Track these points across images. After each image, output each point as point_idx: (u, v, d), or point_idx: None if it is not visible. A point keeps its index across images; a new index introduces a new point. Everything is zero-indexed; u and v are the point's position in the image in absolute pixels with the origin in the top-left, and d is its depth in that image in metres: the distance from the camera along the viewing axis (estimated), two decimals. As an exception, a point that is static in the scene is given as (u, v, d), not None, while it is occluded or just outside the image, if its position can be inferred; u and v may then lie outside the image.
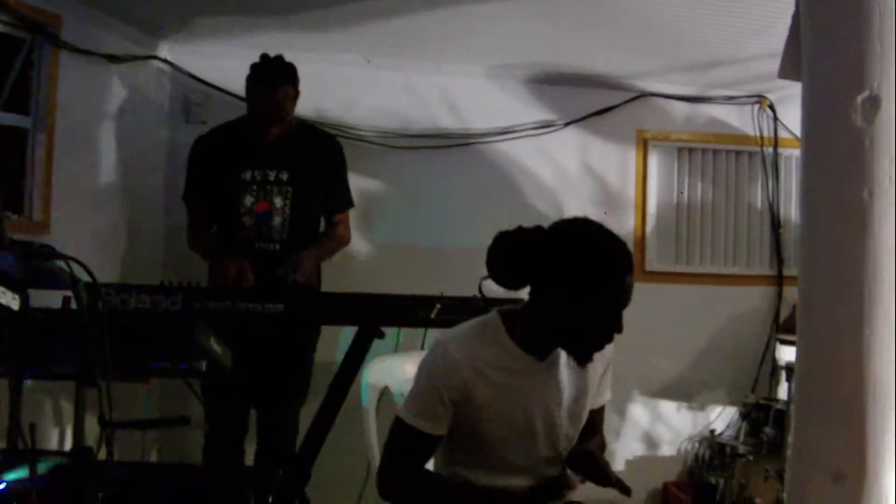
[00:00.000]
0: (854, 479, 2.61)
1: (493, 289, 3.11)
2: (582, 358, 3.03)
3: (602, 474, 3.08)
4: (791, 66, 3.03)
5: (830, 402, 2.68)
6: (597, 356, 3.12)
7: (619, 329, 2.96)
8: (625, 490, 2.99)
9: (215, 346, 2.62)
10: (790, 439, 2.91)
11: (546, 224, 3.02)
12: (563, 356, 3.11)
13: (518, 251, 2.98)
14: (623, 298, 2.92)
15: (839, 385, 2.65)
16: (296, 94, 5.16)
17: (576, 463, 3.16)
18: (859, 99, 2.62)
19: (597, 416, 3.40)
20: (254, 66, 5.09)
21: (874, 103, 2.61)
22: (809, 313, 2.77)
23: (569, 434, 3.21)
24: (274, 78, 5.04)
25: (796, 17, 2.96)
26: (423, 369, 3.07)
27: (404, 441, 3.05)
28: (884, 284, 2.60)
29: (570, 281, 2.88)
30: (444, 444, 3.10)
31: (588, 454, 3.16)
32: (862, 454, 2.60)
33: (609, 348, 3.20)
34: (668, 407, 6.72)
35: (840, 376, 2.65)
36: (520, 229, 3.02)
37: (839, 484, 2.64)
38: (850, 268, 2.62)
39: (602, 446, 3.44)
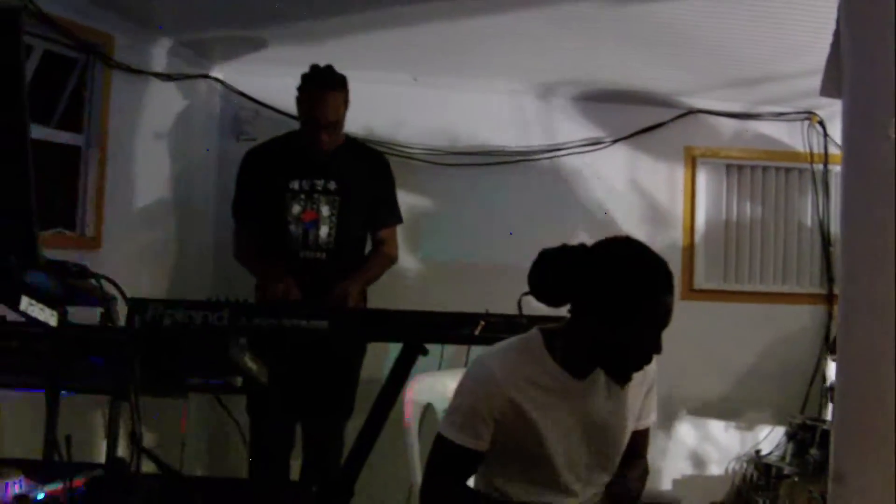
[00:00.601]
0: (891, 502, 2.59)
1: (535, 306, 3.12)
2: (621, 378, 3.02)
3: None
4: (832, 83, 3.02)
5: (869, 423, 2.65)
6: (639, 378, 3.13)
7: (658, 350, 2.95)
8: None
9: (250, 363, 2.63)
10: (830, 461, 2.89)
11: (591, 242, 3.02)
12: (603, 376, 3.10)
13: (559, 268, 2.99)
14: (662, 318, 2.90)
15: (878, 407, 2.62)
16: (346, 103, 5.19)
17: (614, 496, 3.14)
18: (899, 116, 2.60)
19: (641, 439, 3.37)
20: (304, 75, 5.14)
21: (914, 121, 2.59)
22: (848, 332, 2.75)
23: (609, 454, 3.20)
24: (325, 82, 5.09)
25: (837, 35, 2.95)
26: (463, 386, 3.08)
27: (446, 457, 3.06)
28: (923, 304, 2.57)
29: (608, 299, 2.88)
30: (485, 458, 3.10)
31: (623, 489, 3.15)
32: (900, 477, 2.58)
33: (652, 370, 3.21)
34: (716, 426, 6.67)
35: (878, 397, 2.61)
36: (563, 247, 3.03)
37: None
38: (888, 288, 2.60)
39: (644, 473, 3.40)
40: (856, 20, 2.81)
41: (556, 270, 2.99)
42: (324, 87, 5.07)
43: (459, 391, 3.07)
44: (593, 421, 3.10)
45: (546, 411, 3.02)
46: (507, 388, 2.98)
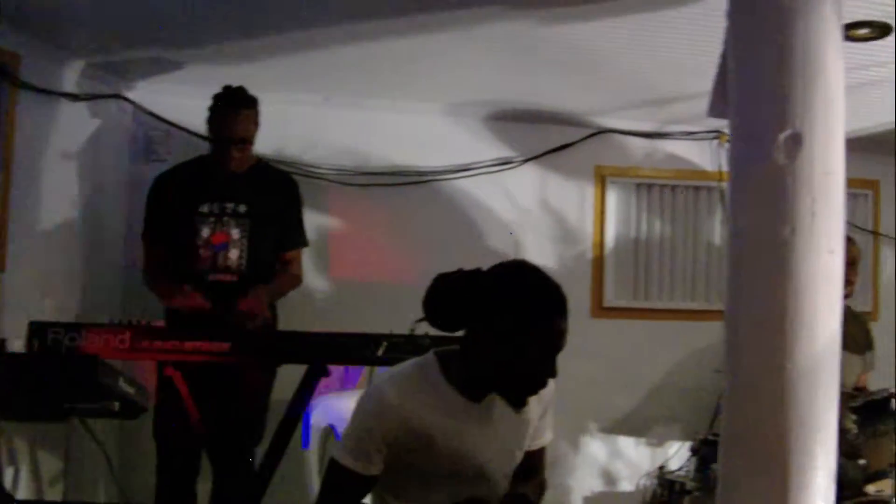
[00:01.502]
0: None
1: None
2: (516, 402, 3.04)
3: None
4: (720, 104, 3.06)
5: (754, 438, 2.69)
6: (535, 398, 3.14)
7: (552, 374, 2.97)
8: None
9: (126, 386, 2.61)
10: (719, 473, 2.93)
11: (501, 261, 3.05)
12: (497, 399, 3.10)
13: (453, 293, 2.99)
14: (555, 342, 2.93)
15: (762, 421, 2.66)
16: (257, 122, 5.18)
17: None
18: (782, 137, 2.64)
19: (536, 457, 3.35)
20: (216, 95, 5.12)
21: (796, 141, 2.64)
22: (734, 349, 2.78)
23: (506, 475, 3.20)
24: (236, 101, 5.08)
25: (724, 57, 2.99)
26: (358, 410, 3.06)
27: (338, 482, 3.04)
28: (805, 321, 2.61)
29: (501, 323, 2.90)
30: (381, 474, 3.09)
31: (521, 498, 3.15)
32: (785, 491, 2.61)
33: (549, 390, 3.21)
34: (626, 443, 6.72)
35: (763, 412, 2.66)
36: (458, 271, 3.03)
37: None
38: (773, 304, 2.64)
39: (541, 488, 3.41)
40: (741, 43, 2.85)
41: (450, 296, 3.00)
42: (234, 106, 5.07)
43: (354, 416, 3.06)
44: (489, 444, 3.10)
45: (440, 434, 3.01)
46: (401, 412, 2.96)
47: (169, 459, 5.07)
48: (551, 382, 3.12)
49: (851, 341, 5.54)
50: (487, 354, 2.95)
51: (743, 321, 2.75)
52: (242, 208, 5.18)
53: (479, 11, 4.61)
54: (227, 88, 5.11)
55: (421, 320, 3.07)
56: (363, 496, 3.11)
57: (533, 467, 3.33)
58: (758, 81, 2.77)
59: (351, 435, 3.04)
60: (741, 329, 2.76)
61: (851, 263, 5.28)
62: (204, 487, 5.20)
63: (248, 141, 5.14)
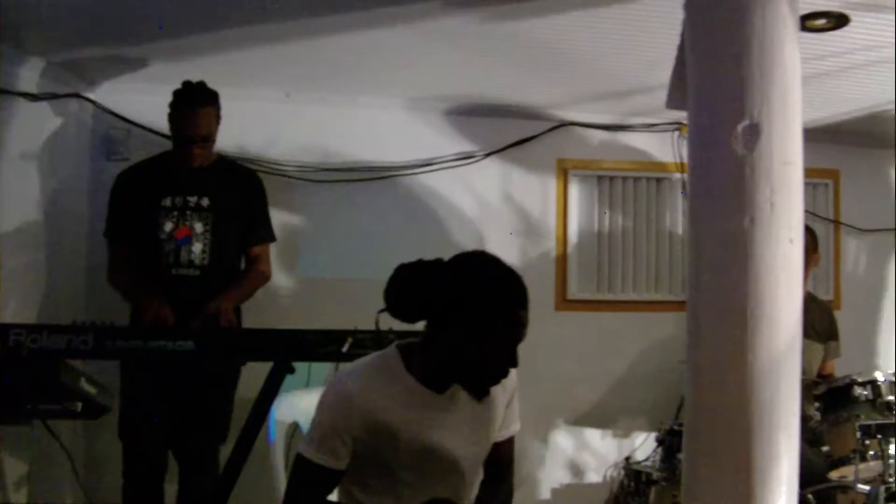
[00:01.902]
0: (741, 502, 2.64)
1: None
2: (478, 392, 3.05)
3: None
4: (678, 95, 3.08)
5: (717, 427, 2.71)
6: (499, 388, 3.16)
7: (513, 363, 2.99)
8: None
9: (87, 387, 2.60)
10: (683, 461, 2.95)
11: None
12: (461, 390, 3.11)
13: (414, 284, 3.00)
14: (516, 332, 2.95)
15: (725, 410, 2.68)
16: (218, 119, 5.19)
17: None
18: (740, 127, 2.67)
19: (504, 448, 3.37)
20: (176, 92, 5.10)
21: (754, 131, 2.66)
22: (696, 339, 2.81)
23: (474, 466, 3.22)
24: (196, 98, 5.07)
25: (682, 49, 3.01)
26: (321, 404, 3.08)
27: (305, 476, 3.06)
28: (766, 310, 2.64)
29: (461, 313, 2.92)
30: (348, 469, 3.09)
31: None
32: (749, 479, 2.63)
33: (512, 379, 3.24)
34: (592, 434, 6.74)
35: (725, 401, 2.68)
36: (419, 262, 3.04)
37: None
38: (733, 294, 2.66)
39: (509, 491, 3.43)
40: (698, 34, 2.87)
41: (410, 286, 3.01)
42: (195, 104, 5.05)
43: (318, 409, 3.08)
44: (454, 435, 3.12)
45: (404, 426, 3.02)
46: (365, 404, 2.98)
47: (135, 459, 5.05)
48: (513, 372, 3.16)
49: (814, 329, 5.61)
50: (448, 345, 2.97)
51: (704, 311, 2.77)
52: (206, 202, 5.17)
53: (440, 5, 4.60)
54: (187, 84, 5.09)
55: (382, 311, 3.06)
56: (330, 490, 3.12)
57: (501, 458, 3.35)
58: (715, 73, 2.79)
59: (315, 429, 3.06)
60: (703, 319, 2.78)
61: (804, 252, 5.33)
62: (171, 488, 5.19)
63: (208, 138, 5.13)
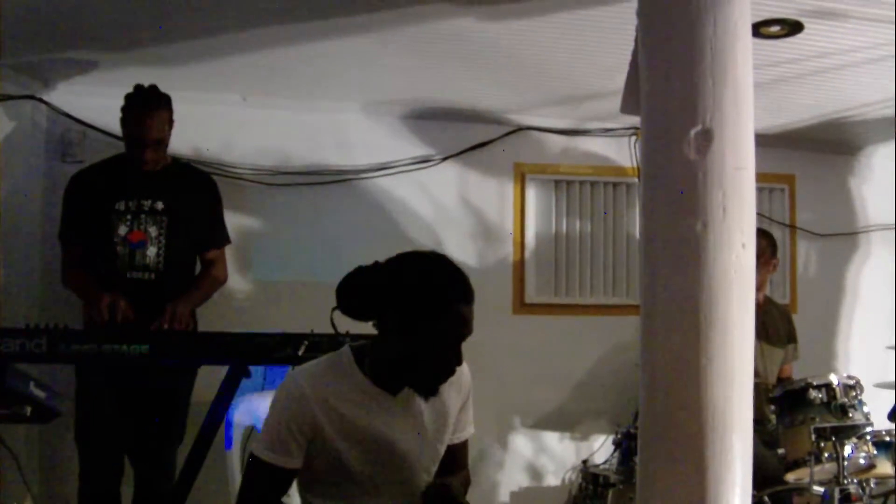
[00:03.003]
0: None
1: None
2: (425, 390, 3.06)
3: None
4: (632, 100, 3.09)
5: (671, 430, 2.72)
6: (453, 391, 3.19)
7: (458, 361, 3.01)
8: None
9: (37, 391, 2.58)
10: (637, 464, 2.96)
11: None
12: (416, 393, 3.13)
13: (360, 281, 3.04)
14: (458, 328, 2.98)
15: (679, 414, 2.69)
16: (171, 122, 5.17)
17: (431, 498, 3.17)
18: (692, 132, 2.68)
19: (458, 452, 3.39)
20: (128, 95, 5.08)
21: (707, 137, 2.67)
22: (650, 343, 2.81)
23: (428, 469, 3.22)
24: (149, 102, 5.05)
25: (635, 55, 3.02)
26: (274, 404, 3.08)
27: (258, 476, 3.06)
28: (719, 315, 2.64)
29: (405, 310, 2.95)
30: (302, 472, 3.10)
31: (443, 488, 3.16)
32: (703, 482, 2.64)
33: (466, 382, 3.27)
34: (551, 438, 6.76)
35: (679, 405, 2.69)
36: (375, 262, 3.07)
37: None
38: (686, 299, 2.67)
39: (466, 482, 3.43)
40: (651, 40, 2.88)
41: (357, 283, 3.04)
42: (147, 107, 5.03)
43: (271, 409, 3.08)
44: (408, 437, 3.13)
45: (358, 427, 3.04)
46: (317, 404, 2.99)
47: (91, 462, 5.04)
48: (468, 375, 3.22)
49: (774, 333, 5.65)
50: (394, 342, 3.01)
51: (657, 316, 2.78)
52: (160, 206, 5.15)
53: (397, 14, 4.62)
54: (139, 88, 5.07)
55: (335, 309, 3.09)
56: (284, 490, 3.13)
57: (456, 461, 3.37)
58: (668, 78, 2.80)
59: (268, 429, 3.06)
60: (656, 324, 2.78)
61: (757, 256, 5.36)
62: (128, 490, 5.17)
63: (161, 141, 5.11)
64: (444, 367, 3.01)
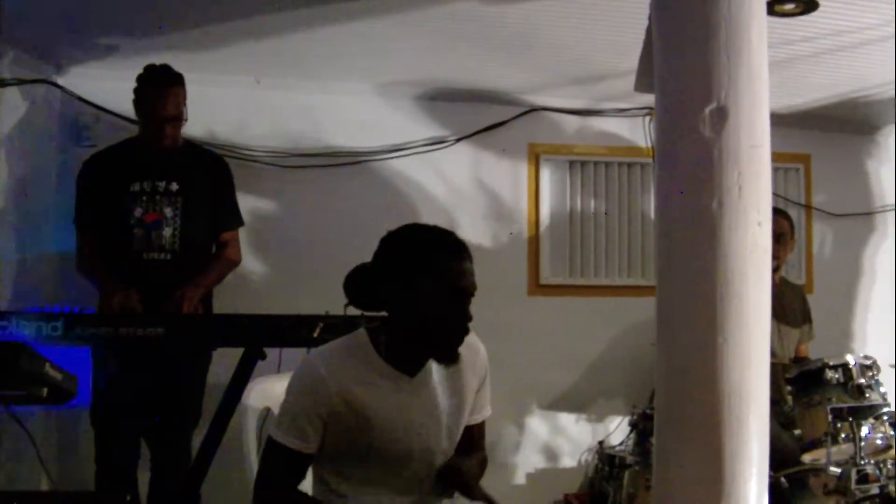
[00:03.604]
0: (712, 486, 2.65)
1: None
2: (444, 356, 3.07)
3: (469, 489, 3.10)
4: (646, 79, 3.09)
5: (687, 410, 2.71)
6: (469, 371, 3.19)
7: (465, 316, 3.03)
8: None
9: (52, 372, 2.58)
10: (654, 444, 2.95)
11: None
12: (434, 373, 3.13)
13: (361, 270, 3.14)
14: (457, 281, 3.00)
15: (695, 393, 2.68)
16: (185, 99, 5.14)
17: (445, 479, 3.17)
18: (707, 110, 2.67)
19: (476, 432, 3.39)
20: (141, 76, 5.08)
21: (722, 115, 2.66)
22: (666, 323, 2.81)
23: (445, 451, 3.22)
24: (164, 79, 5.04)
25: (649, 32, 3.01)
26: (291, 387, 3.09)
27: (274, 460, 3.07)
28: (734, 293, 2.64)
29: (399, 277, 3.00)
30: (318, 454, 3.10)
31: (456, 470, 3.16)
32: (719, 461, 2.64)
33: (483, 363, 3.27)
34: (567, 419, 6.74)
35: (695, 384, 2.68)
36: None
37: (699, 492, 2.67)
38: (702, 277, 2.66)
39: (483, 462, 3.42)
40: (665, 17, 2.87)
41: (357, 273, 3.15)
42: (163, 84, 5.03)
43: (287, 393, 3.09)
44: (425, 418, 3.12)
45: (374, 409, 3.04)
46: (334, 386, 2.99)
47: (108, 447, 5.04)
48: (484, 355, 3.26)
49: (791, 314, 5.63)
50: (401, 316, 3.04)
51: (673, 295, 2.77)
52: (174, 186, 5.14)
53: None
54: (151, 67, 5.07)
55: (347, 305, 3.19)
56: (301, 473, 3.13)
57: (473, 442, 3.38)
58: (682, 56, 2.79)
59: (285, 412, 3.07)
60: (672, 303, 2.78)
61: (779, 237, 5.35)
62: (144, 475, 5.18)
63: (179, 117, 5.10)
64: (454, 325, 3.03)
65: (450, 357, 3.07)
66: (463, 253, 3.05)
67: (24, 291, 5.56)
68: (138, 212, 5.10)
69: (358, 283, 3.13)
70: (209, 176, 5.31)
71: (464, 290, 3.01)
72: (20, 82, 5.60)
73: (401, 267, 3.01)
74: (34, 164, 5.82)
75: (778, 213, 5.48)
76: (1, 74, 5.42)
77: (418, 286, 2.97)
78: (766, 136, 2.72)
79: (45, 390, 2.69)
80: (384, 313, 3.13)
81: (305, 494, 3.18)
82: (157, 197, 5.12)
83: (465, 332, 3.05)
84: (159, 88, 5.03)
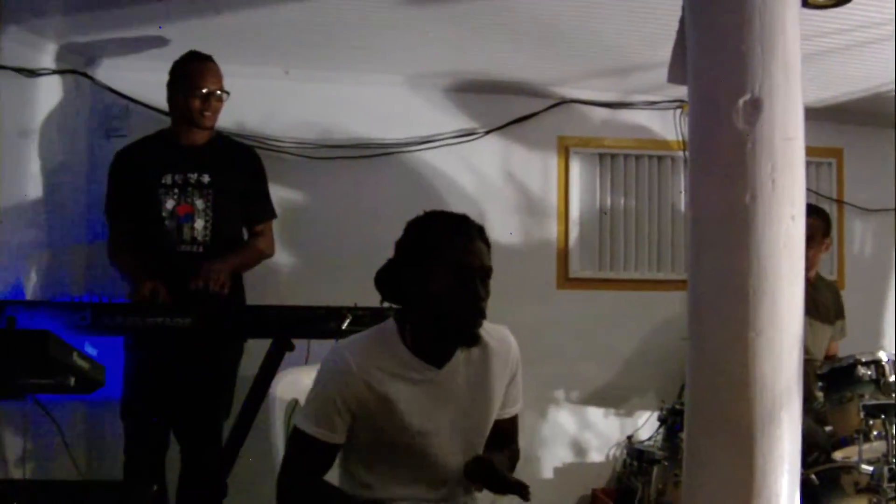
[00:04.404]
0: (743, 483, 2.62)
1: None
2: (461, 337, 3.07)
3: (497, 481, 3.07)
4: (679, 70, 3.05)
5: (719, 405, 2.69)
6: (499, 363, 3.19)
7: (478, 295, 3.00)
8: (523, 492, 2.97)
9: (80, 361, 2.58)
10: (684, 439, 2.93)
11: None
12: (463, 365, 3.12)
13: (385, 266, 3.16)
14: (468, 259, 3.00)
15: (726, 389, 2.66)
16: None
17: (472, 471, 3.16)
18: (741, 102, 2.65)
19: (508, 426, 3.37)
20: (181, 58, 5.14)
21: (756, 106, 2.64)
22: (697, 317, 2.79)
23: (473, 443, 3.20)
24: (204, 56, 5.10)
25: (682, 22, 2.98)
26: (319, 377, 3.09)
27: (301, 450, 3.08)
28: (767, 288, 2.61)
29: (413, 260, 3.04)
30: (345, 444, 3.10)
31: (484, 462, 3.14)
32: (750, 457, 2.61)
33: (514, 356, 3.26)
34: (595, 413, 6.71)
35: (727, 380, 2.66)
36: None
37: (730, 488, 2.65)
38: (735, 271, 2.64)
39: (514, 457, 3.41)
40: (699, 8, 2.84)
41: (385, 267, 3.16)
42: (205, 59, 5.08)
43: (315, 383, 3.09)
44: (454, 410, 3.12)
45: (401, 401, 3.04)
46: (362, 377, 3.00)
47: (137, 438, 5.04)
48: (516, 349, 3.25)
49: (823, 310, 5.58)
50: (417, 298, 3.04)
51: (705, 289, 2.75)
52: (206, 178, 5.15)
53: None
54: (190, 52, 5.13)
55: (382, 302, 3.19)
56: (328, 464, 3.13)
57: (505, 436, 3.35)
58: (716, 47, 2.77)
59: (312, 402, 3.08)
60: (704, 297, 2.76)
61: (813, 235, 5.31)
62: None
63: (222, 94, 5.15)
64: (466, 304, 3.00)
65: (469, 339, 3.06)
66: (472, 232, 3.06)
67: (53, 282, 5.58)
68: (170, 204, 5.11)
69: (383, 277, 3.13)
70: (241, 168, 5.32)
71: (470, 267, 3.00)
72: (50, 72, 5.61)
73: (413, 251, 3.05)
74: (65, 155, 5.83)
75: (812, 210, 5.44)
76: (32, 65, 5.43)
77: (427, 267, 2.98)
78: (800, 128, 2.70)
79: (73, 379, 2.69)
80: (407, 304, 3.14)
81: (330, 484, 3.16)
82: (189, 189, 5.13)
83: (480, 312, 3.03)
84: (201, 65, 5.08)
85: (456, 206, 5.97)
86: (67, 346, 2.58)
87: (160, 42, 5.55)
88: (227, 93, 5.17)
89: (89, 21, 5.30)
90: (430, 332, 3.06)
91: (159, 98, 5.28)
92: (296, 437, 3.08)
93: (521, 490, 2.95)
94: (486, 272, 3.03)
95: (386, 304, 3.21)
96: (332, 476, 3.23)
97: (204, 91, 5.06)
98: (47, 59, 5.56)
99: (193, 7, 5.04)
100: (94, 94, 6.05)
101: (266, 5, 4.96)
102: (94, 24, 5.36)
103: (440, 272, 2.96)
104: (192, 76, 5.08)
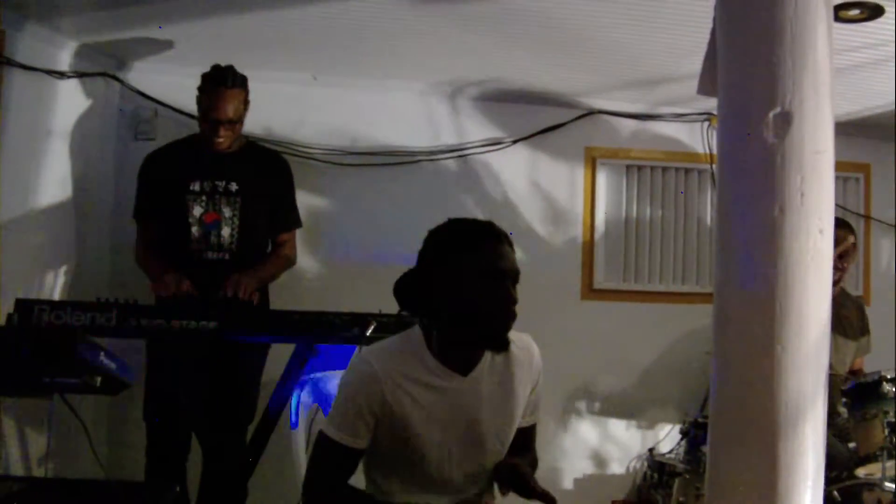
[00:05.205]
0: (766, 497, 2.61)
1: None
2: (491, 341, 3.06)
3: (526, 486, 3.07)
4: (709, 82, 3.05)
5: (743, 419, 2.68)
6: (524, 370, 3.20)
7: (509, 298, 3.00)
8: (549, 501, 2.97)
9: (107, 361, 2.59)
10: (707, 452, 2.92)
11: None
12: (486, 373, 3.11)
13: (407, 273, 3.15)
14: (494, 263, 2.99)
15: (751, 402, 2.65)
16: (246, 103, 5.18)
17: (501, 476, 3.16)
18: (771, 115, 2.64)
19: (526, 434, 3.36)
20: (205, 75, 5.12)
21: (786, 119, 2.63)
22: (723, 330, 2.78)
23: (497, 451, 3.20)
24: (225, 80, 5.06)
25: (713, 34, 2.98)
26: (344, 383, 3.10)
27: (325, 455, 3.08)
28: (794, 301, 2.60)
29: (439, 267, 3.03)
30: (368, 451, 3.10)
31: (512, 467, 3.15)
32: (774, 472, 2.60)
33: (537, 364, 3.27)
34: (616, 425, 6.70)
35: (752, 393, 2.65)
36: None
37: (751, 500, 2.64)
38: (762, 285, 2.63)
39: (534, 463, 3.41)
40: (730, 20, 2.84)
41: (405, 276, 3.15)
42: (223, 85, 5.05)
43: (340, 389, 3.10)
44: (479, 418, 3.11)
45: (427, 408, 3.04)
46: (387, 384, 3.00)
47: (159, 440, 5.08)
48: (538, 357, 3.24)
49: (848, 325, 5.55)
50: (445, 304, 3.02)
51: (732, 302, 2.74)
52: (234, 187, 5.18)
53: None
54: (216, 68, 5.10)
55: (401, 311, 3.24)
56: (351, 469, 3.13)
57: (524, 444, 3.35)
58: (747, 59, 2.76)
59: (337, 408, 3.08)
60: (730, 310, 2.75)
61: (843, 252, 5.30)
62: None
63: (235, 121, 5.12)
64: (497, 307, 3.00)
65: (499, 344, 3.05)
66: (500, 237, 3.07)
67: (80, 284, 5.60)
68: (197, 211, 5.14)
69: (404, 286, 3.13)
70: (269, 176, 5.34)
71: (501, 271, 2.99)
72: (80, 75, 5.64)
73: (440, 257, 3.03)
74: (92, 157, 5.86)
75: (843, 226, 5.43)
76: (61, 68, 5.45)
77: (457, 271, 2.97)
78: (829, 141, 2.69)
79: (99, 379, 2.70)
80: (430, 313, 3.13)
81: (355, 488, 3.17)
82: (217, 196, 5.16)
83: (512, 314, 3.03)
84: (219, 89, 5.06)
85: (482, 216, 5.98)
86: (96, 346, 2.59)
87: (190, 46, 5.56)
88: (241, 123, 5.20)
89: (116, 23, 5.32)
90: (457, 339, 3.05)
91: (188, 102, 5.30)
92: (320, 442, 3.08)
93: (549, 500, 2.95)
94: (515, 275, 3.03)
95: (404, 313, 3.23)
96: (359, 482, 3.24)
97: (215, 120, 5.08)
98: (74, 60, 5.58)
99: (224, 12, 5.05)
100: (122, 97, 6.09)
101: (295, 11, 4.96)
102: (121, 25, 5.38)
103: (471, 275, 2.96)
104: (206, 103, 5.11)
